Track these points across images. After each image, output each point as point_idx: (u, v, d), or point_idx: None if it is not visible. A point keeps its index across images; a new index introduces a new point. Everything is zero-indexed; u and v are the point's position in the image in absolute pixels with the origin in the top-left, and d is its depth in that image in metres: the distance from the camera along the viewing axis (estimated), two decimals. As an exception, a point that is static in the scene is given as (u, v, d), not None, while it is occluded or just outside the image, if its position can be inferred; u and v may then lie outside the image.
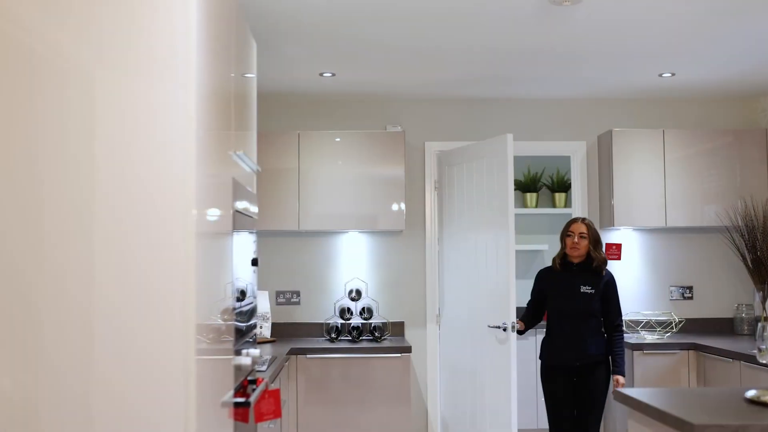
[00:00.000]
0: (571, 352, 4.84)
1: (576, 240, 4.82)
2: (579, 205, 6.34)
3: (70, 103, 1.72)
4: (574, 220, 4.97)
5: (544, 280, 5.03)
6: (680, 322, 6.02)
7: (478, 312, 5.57)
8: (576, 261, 4.87)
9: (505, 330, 5.21)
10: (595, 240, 4.85)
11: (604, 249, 5.16)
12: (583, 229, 4.85)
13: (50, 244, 1.58)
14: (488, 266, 5.51)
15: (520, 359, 6.72)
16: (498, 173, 5.43)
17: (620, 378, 4.79)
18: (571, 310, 4.85)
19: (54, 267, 1.59)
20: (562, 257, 4.92)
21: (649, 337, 5.82)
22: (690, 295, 6.33)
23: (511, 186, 5.29)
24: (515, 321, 5.18)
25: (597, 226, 6.22)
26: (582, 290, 4.81)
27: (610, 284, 4.87)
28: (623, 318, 4.95)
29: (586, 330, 4.82)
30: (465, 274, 5.86)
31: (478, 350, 5.62)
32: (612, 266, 6.22)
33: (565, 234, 4.90)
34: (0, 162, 1.36)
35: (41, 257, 1.53)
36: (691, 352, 5.62)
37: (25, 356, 1.46)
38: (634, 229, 6.29)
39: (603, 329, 4.88)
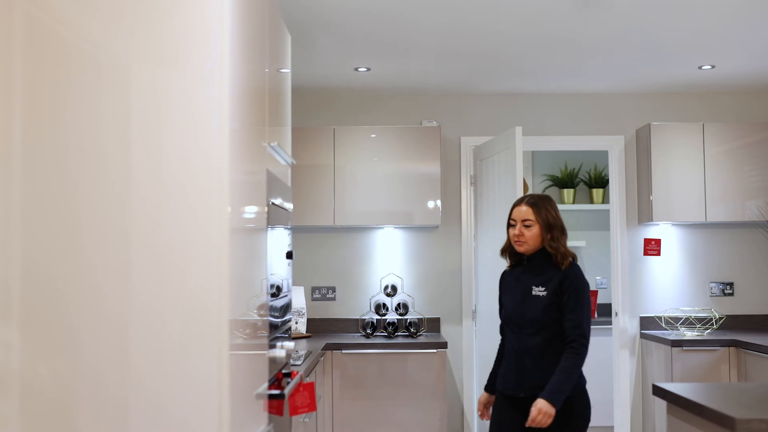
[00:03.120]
0: (514, 378, 3.60)
1: (518, 231, 3.60)
2: (617, 201, 6.28)
3: (103, 97, 1.72)
4: (518, 202, 3.68)
5: (501, 282, 3.89)
6: (721, 318, 5.94)
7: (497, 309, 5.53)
8: (528, 253, 3.66)
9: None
10: (548, 225, 3.56)
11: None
12: (528, 214, 3.57)
13: (84, 240, 1.59)
14: (504, 262, 5.45)
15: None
16: (509, 167, 5.38)
17: (541, 404, 3.34)
18: (517, 320, 3.63)
19: (88, 263, 1.60)
20: (511, 251, 3.75)
21: (689, 334, 5.75)
22: (730, 291, 6.23)
23: (520, 181, 5.22)
24: None
25: (635, 222, 6.20)
26: (534, 292, 3.57)
27: (567, 282, 3.52)
28: (587, 330, 3.53)
29: (537, 348, 3.53)
30: (491, 270, 5.83)
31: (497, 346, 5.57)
32: (652, 262, 6.18)
33: (508, 223, 3.70)
34: (34, 157, 1.37)
35: (76, 252, 1.54)
36: (731, 348, 5.53)
37: (61, 347, 1.47)
38: (673, 225, 6.21)
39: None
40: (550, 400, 3.34)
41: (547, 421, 3.32)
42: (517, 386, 3.55)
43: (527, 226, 3.57)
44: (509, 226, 3.66)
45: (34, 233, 1.37)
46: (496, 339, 5.62)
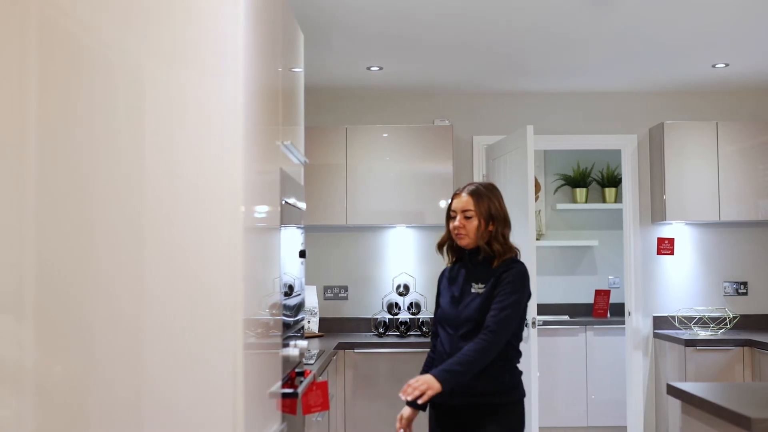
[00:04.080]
0: None
1: (458, 223, 3.19)
2: (630, 200, 6.25)
3: (116, 96, 1.73)
4: (458, 191, 3.27)
5: (439, 281, 3.43)
6: (734, 318, 5.91)
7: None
8: (469, 247, 3.24)
9: (526, 326, 5.14)
10: (490, 216, 3.18)
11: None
12: (468, 204, 3.18)
13: (98, 240, 1.59)
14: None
15: (567, 356, 6.69)
16: (521, 167, 5.37)
17: (427, 377, 2.97)
18: (453, 319, 3.19)
19: (102, 262, 1.60)
20: (451, 245, 3.32)
21: (703, 333, 5.72)
22: (744, 290, 6.20)
23: (531, 180, 5.20)
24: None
25: (648, 221, 6.18)
26: (473, 289, 3.17)
27: (505, 275, 3.12)
28: (503, 326, 3.05)
29: None
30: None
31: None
32: (665, 261, 6.15)
33: (447, 214, 3.29)
34: (47, 158, 1.37)
35: (89, 251, 1.54)
36: (745, 348, 5.51)
37: (75, 346, 1.47)
38: (687, 224, 6.18)
39: (508, 353, 3.18)
40: (437, 376, 2.94)
41: (426, 392, 2.90)
42: (449, 393, 3.04)
43: (468, 218, 3.18)
44: (449, 218, 3.26)
45: (48, 233, 1.38)
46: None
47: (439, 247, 3.35)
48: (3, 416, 1.29)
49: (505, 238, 3.21)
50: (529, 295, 3.19)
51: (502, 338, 3.05)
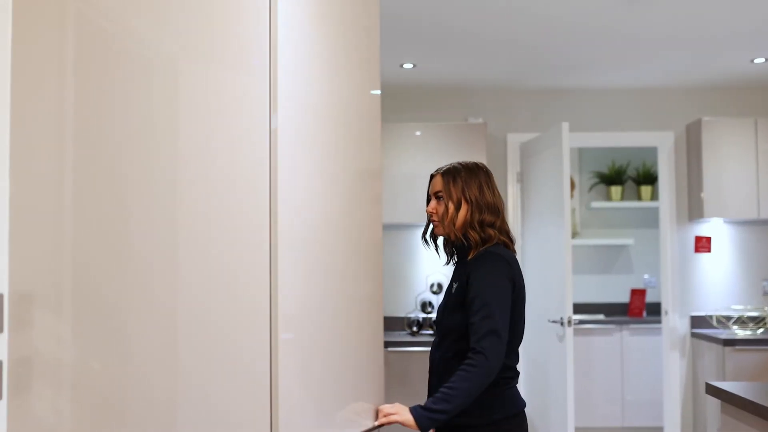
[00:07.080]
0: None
1: (431, 207, 2.70)
2: (666, 197, 6.18)
3: (153, 94, 1.72)
4: (434, 172, 2.76)
5: None
6: (774, 317, 5.82)
7: (545, 307, 5.50)
8: (453, 239, 2.68)
9: (562, 325, 5.12)
10: (464, 200, 2.63)
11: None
12: (439, 185, 2.68)
13: (134, 237, 1.59)
14: (551, 260, 5.43)
15: (602, 355, 6.63)
16: (556, 164, 5.34)
17: (406, 415, 2.50)
18: (438, 328, 2.72)
19: (138, 260, 1.60)
20: (445, 239, 2.75)
21: (741, 333, 5.63)
22: (784, 289, 6.11)
23: (567, 178, 5.16)
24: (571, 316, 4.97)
25: (685, 219, 6.10)
26: (452, 290, 2.66)
27: (472, 276, 2.56)
28: (489, 341, 2.49)
29: (441, 362, 2.65)
30: (538, 267, 5.78)
31: (544, 345, 5.55)
32: (702, 259, 6.07)
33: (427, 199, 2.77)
34: (84, 157, 1.37)
35: (126, 248, 1.54)
36: (786, 348, 5.42)
37: (111, 342, 1.48)
38: (725, 221, 6.10)
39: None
40: (417, 416, 2.47)
41: (396, 422, 2.52)
42: None
43: (439, 198, 2.68)
44: (427, 203, 2.76)
45: (84, 230, 1.38)
46: (542, 338, 5.59)
47: (425, 237, 2.77)
48: (41, 412, 1.29)
49: (484, 225, 2.61)
50: (496, 284, 2.56)
51: (486, 360, 2.47)
